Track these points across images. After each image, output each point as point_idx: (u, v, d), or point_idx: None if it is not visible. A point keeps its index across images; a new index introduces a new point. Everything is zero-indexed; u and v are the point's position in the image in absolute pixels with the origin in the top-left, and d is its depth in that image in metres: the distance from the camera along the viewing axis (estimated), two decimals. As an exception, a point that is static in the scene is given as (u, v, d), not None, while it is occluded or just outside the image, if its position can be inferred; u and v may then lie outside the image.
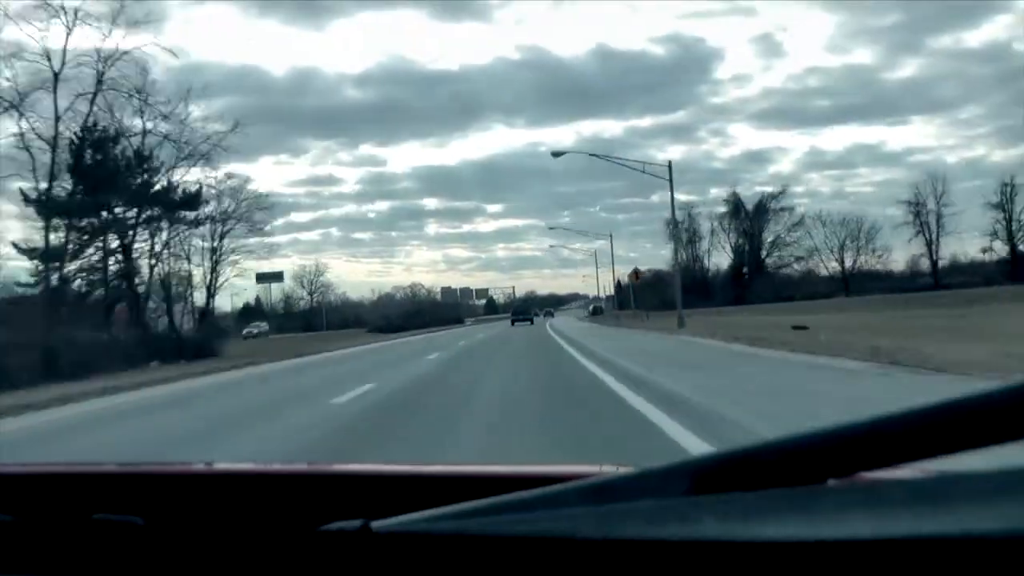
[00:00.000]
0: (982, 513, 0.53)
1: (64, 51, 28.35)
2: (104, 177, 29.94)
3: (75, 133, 29.92)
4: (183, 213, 33.50)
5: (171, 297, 34.85)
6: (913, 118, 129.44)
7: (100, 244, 31.13)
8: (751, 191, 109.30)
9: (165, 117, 31.39)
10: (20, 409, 12.72)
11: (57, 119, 28.45)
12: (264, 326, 74.76)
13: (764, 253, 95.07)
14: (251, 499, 1.02)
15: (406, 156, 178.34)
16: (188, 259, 35.74)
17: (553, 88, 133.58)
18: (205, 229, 35.81)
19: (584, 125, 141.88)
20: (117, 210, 31.42)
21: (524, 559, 0.69)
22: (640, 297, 62.35)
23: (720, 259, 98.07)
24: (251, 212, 37.47)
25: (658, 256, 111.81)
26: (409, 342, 38.07)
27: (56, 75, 28.13)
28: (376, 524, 0.78)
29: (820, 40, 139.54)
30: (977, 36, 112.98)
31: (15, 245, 29.27)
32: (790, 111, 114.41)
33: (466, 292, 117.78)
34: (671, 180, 33.23)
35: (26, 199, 28.98)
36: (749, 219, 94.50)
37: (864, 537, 0.54)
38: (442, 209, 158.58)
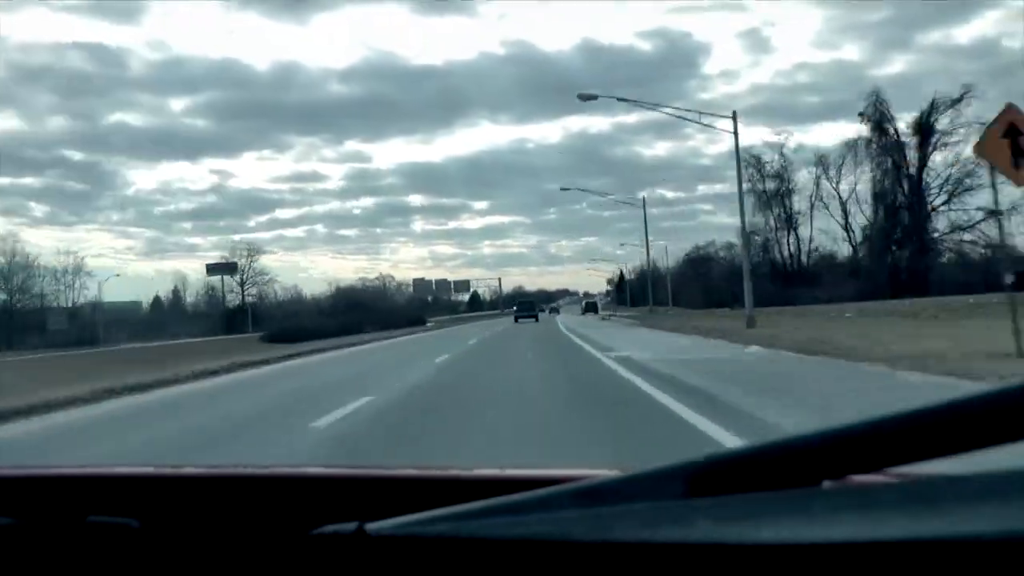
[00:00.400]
0: (974, 515, 0.53)
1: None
2: None
3: None
4: None
5: None
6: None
7: None
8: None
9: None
10: None
11: None
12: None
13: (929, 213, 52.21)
14: (247, 501, 1.02)
15: (391, 152, 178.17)
16: None
17: (539, 83, 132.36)
18: None
19: (571, 121, 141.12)
20: None
21: (518, 562, 0.69)
22: (636, 294, 58.71)
23: (826, 225, 57.56)
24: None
25: (647, 252, 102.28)
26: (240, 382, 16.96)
27: None
28: (371, 526, 0.78)
29: (808, 36, 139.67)
30: (967, 32, 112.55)
31: None
32: (778, 108, 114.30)
33: (443, 285, 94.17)
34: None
35: None
36: (899, 152, 49.14)
37: (857, 539, 0.55)
38: (428, 206, 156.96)
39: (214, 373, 18.73)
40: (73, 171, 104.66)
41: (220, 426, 9.49)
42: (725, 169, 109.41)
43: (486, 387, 12.21)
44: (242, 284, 76.73)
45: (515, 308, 64.53)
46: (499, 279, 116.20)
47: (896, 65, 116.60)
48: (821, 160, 54.55)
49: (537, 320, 55.19)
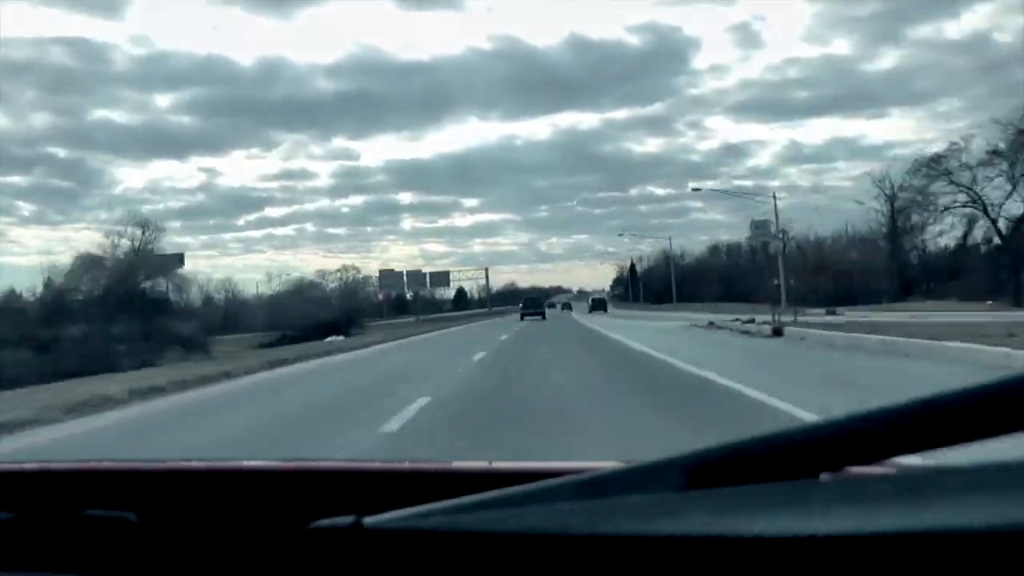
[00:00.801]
0: (973, 507, 0.53)
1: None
2: None
3: None
4: None
5: None
6: (892, 110, 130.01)
7: None
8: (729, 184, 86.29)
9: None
10: None
11: None
12: None
13: None
14: (244, 495, 1.02)
15: (380, 150, 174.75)
16: None
17: (527, 79, 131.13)
18: None
19: (560, 117, 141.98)
20: None
21: (515, 555, 0.69)
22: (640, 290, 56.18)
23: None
24: None
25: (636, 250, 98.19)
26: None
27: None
28: (368, 520, 0.78)
29: (798, 30, 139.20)
30: (957, 26, 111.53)
31: None
32: (769, 103, 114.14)
33: (416, 276, 70.48)
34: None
35: None
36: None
37: (855, 532, 0.54)
38: (417, 204, 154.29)
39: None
40: (58, 169, 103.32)
41: None
42: (716, 166, 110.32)
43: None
44: (147, 278, 62.00)
45: (522, 305, 60.69)
46: (486, 270, 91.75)
47: (887, 60, 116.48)
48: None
49: (544, 318, 52.54)
